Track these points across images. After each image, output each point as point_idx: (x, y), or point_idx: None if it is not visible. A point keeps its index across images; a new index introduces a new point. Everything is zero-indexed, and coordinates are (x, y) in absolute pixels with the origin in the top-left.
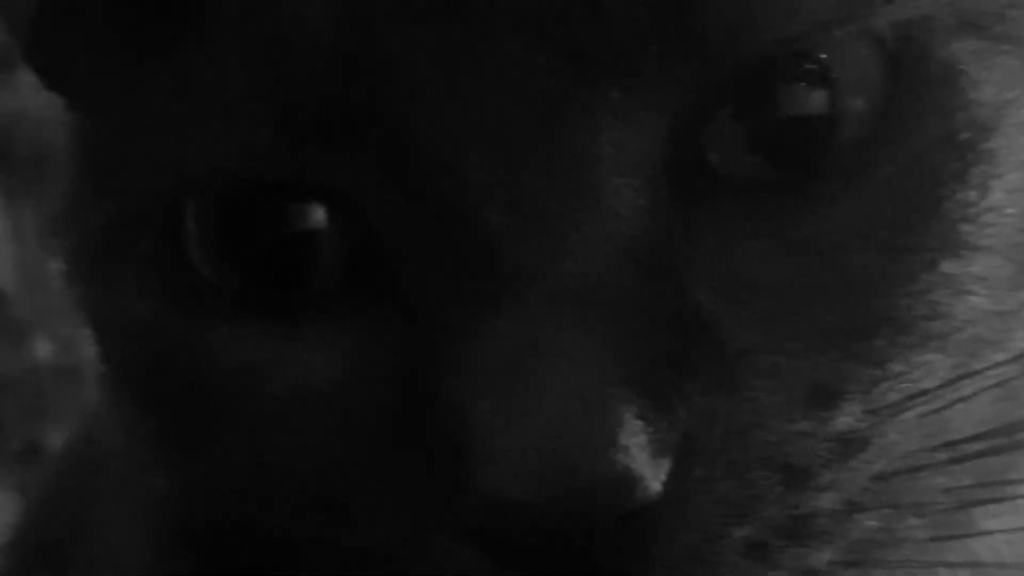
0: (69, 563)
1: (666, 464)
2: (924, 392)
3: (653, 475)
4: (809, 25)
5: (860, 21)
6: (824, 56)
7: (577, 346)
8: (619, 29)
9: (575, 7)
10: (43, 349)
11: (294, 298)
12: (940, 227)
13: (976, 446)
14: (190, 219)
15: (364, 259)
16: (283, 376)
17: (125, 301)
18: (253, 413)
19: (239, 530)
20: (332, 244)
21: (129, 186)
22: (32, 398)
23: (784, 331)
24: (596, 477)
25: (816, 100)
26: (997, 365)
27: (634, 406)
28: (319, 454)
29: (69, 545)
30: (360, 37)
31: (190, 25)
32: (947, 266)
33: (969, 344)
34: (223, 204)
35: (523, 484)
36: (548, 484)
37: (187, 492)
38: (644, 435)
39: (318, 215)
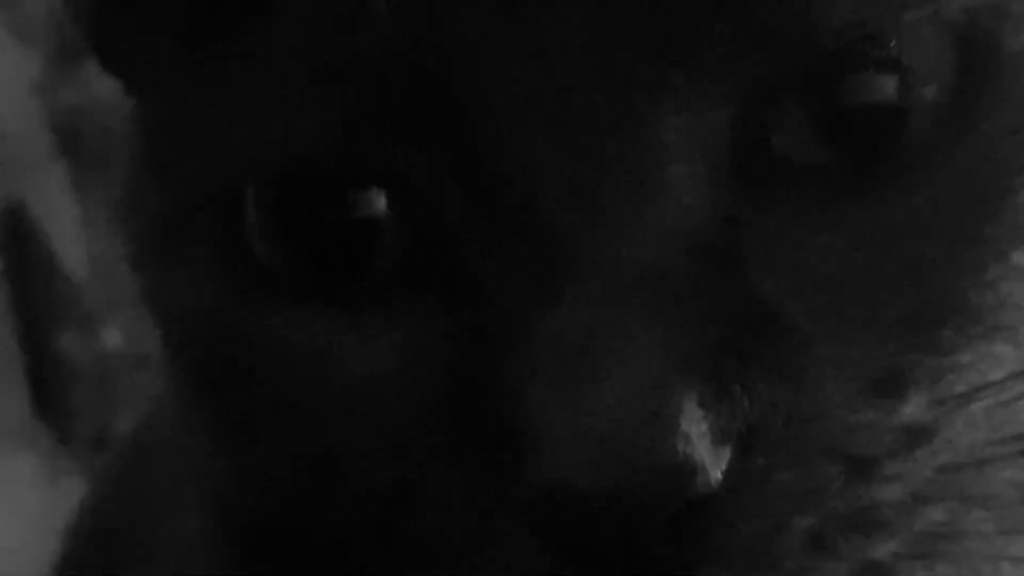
0: (123, 554)
1: (727, 453)
2: (992, 383)
3: (714, 464)
4: (880, 10)
5: (931, 5)
6: (895, 43)
7: (638, 334)
8: (684, 14)
9: None
10: (113, 337)
11: (353, 287)
12: (1011, 218)
13: None
14: (251, 207)
15: (424, 247)
16: (341, 365)
17: (186, 288)
18: (311, 402)
19: (297, 521)
20: (392, 231)
21: (190, 173)
22: (102, 386)
23: (849, 320)
24: (655, 465)
25: (887, 88)
26: None
27: (695, 393)
28: (378, 443)
29: (125, 536)
30: (425, 24)
31: (254, 10)
32: (1018, 257)
33: None
34: (284, 191)
35: (581, 471)
36: (606, 471)
37: (245, 483)
38: (705, 423)
39: (379, 202)
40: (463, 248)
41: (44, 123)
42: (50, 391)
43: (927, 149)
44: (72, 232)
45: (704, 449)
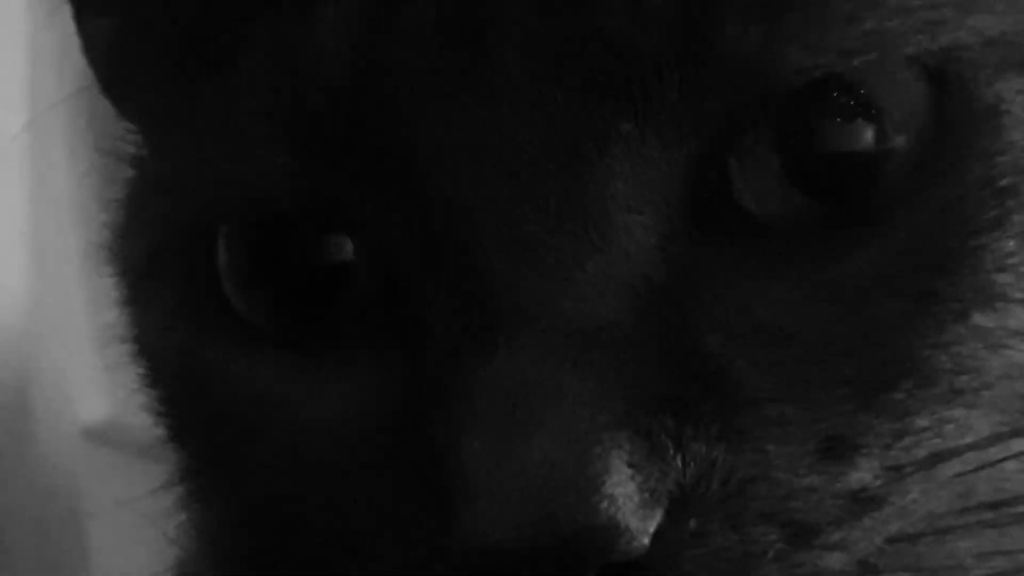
0: None
1: (656, 515)
2: (955, 449)
3: (640, 527)
4: (833, 55)
5: (887, 51)
6: (866, 90)
7: (570, 389)
8: (633, 59)
9: (588, 37)
10: None
11: (316, 332)
12: (974, 277)
13: None
14: (223, 248)
15: (384, 295)
16: (295, 410)
17: (161, 328)
18: (266, 448)
19: (255, 570)
20: (357, 279)
21: (169, 216)
22: None
23: (799, 379)
24: (579, 525)
25: (860, 135)
26: None
27: (624, 452)
28: (328, 489)
29: None
30: (371, 70)
31: (229, 52)
32: (979, 318)
33: (1008, 401)
34: (254, 234)
35: (504, 528)
36: (531, 529)
37: (226, 529)
38: (633, 483)
39: (347, 247)
40: (416, 298)
41: None
42: None
43: (896, 200)
44: None
45: (630, 511)
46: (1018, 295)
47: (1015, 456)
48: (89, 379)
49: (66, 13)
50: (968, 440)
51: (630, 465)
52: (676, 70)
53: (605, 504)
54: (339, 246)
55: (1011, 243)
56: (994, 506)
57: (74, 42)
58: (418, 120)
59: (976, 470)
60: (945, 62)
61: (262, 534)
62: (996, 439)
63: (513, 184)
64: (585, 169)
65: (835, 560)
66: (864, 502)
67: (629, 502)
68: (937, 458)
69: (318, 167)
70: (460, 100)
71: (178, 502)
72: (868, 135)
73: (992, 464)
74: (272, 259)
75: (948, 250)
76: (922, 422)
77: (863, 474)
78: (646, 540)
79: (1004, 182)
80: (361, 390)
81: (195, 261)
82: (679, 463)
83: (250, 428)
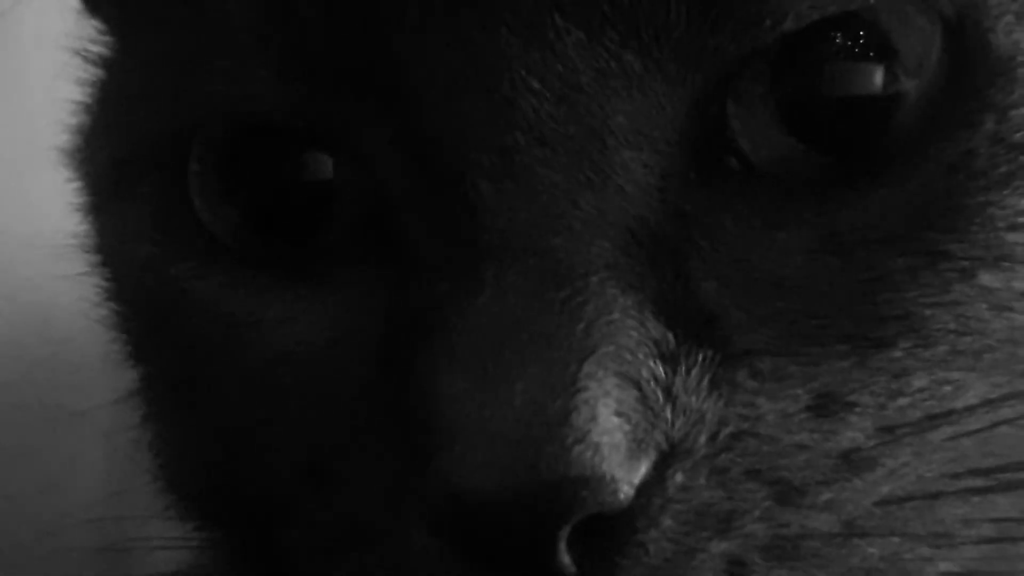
0: None
1: (642, 467)
2: (951, 412)
3: (626, 477)
4: None
5: None
6: (881, 29)
7: (558, 332)
8: None
9: None
10: None
11: (294, 254)
12: (982, 234)
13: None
14: (195, 160)
15: (369, 220)
16: (271, 333)
17: (127, 240)
18: (242, 370)
19: (224, 491)
20: (339, 199)
21: (140, 122)
22: None
23: (795, 332)
24: (561, 474)
25: (870, 77)
26: None
27: (612, 401)
28: (301, 420)
29: None
30: None
31: None
32: (986, 278)
33: (1009, 364)
34: (229, 146)
35: (483, 473)
36: (509, 476)
37: (183, 450)
38: (620, 433)
39: (326, 166)
40: (403, 223)
41: None
42: None
43: (904, 152)
44: None
45: (616, 462)
46: None
47: (1008, 421)
48: None
49: None
50: (963, 403)
51: (618, 414)
52: (685, 3)
53: (590, 453)
54: (318, 164)
55: (1022, 201)
56: (985, 472)
57: None
58: (413, 39)
59: (969, 434)
60: (963, 7)
61: (223, 458)
62: (990, 403)
63: (508, 111)
64: (584, 100)
65: (822, 521)
66: (855, 463)
67: (616, 452)
68: (931, 421)
69: (303, 81)
70: (458, 21)
71: (134, 418)
72: (878, 78)
73: (986, 429)
74: (247, 174)
75: (957, 206)
76: (919, 382)
77: (855, 433)
78: (631, 492)
79: (1017, 137)
80: (339, 316)
81: (166, 172)
82: (668, 414)
83: (216, 349)
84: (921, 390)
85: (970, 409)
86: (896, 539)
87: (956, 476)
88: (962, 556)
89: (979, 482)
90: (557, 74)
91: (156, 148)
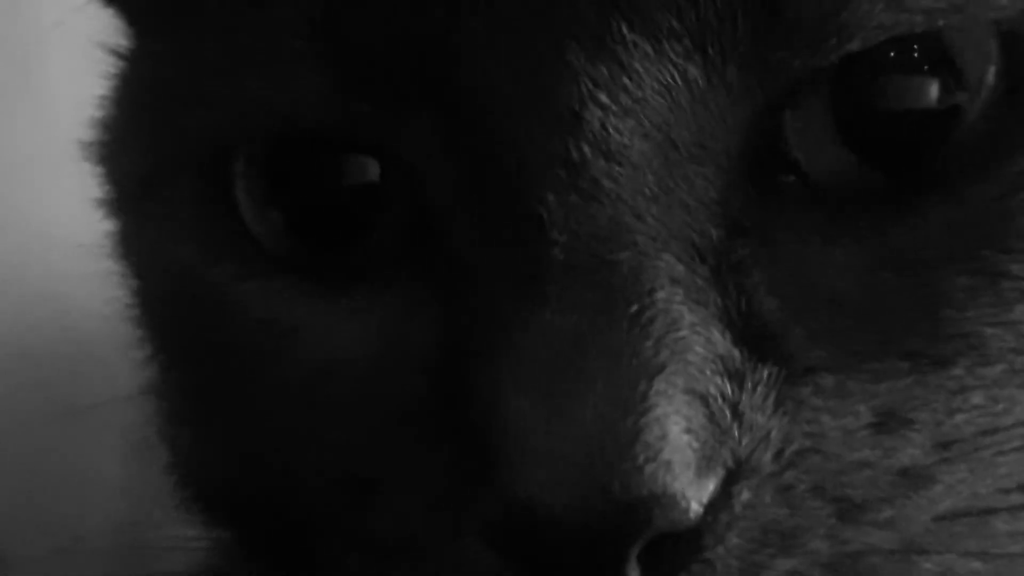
0: None
1: (711, 485)
2: (1001, 428)
3: (695, 495)
4: (919, 15)
5: (972, 13)
6: (945, 48)
7: (626, 349)
8: (705, 5)
9: None
10: None
11: (339, 260)
12: None
13: None
14: (240, 165)
15: (417, 227)
16: (317, 342)
17: (165, 243)
18: (280, 377)
19: (255, 497)
20: (386, 206)
21: (181, 126)
22: None
23: (856, 349)
24: (632, 493)
25: (928, 91)
26: None
27: (682, 419)
28: (345, 430)
29: None
30: None
31: None
32: None
33: None
34: (276, 152)
35: (552, 492)
36: (578, 495)
37: (207, 452)
38: (690, 451)
39: (372, 170)
40: (455, 234)
41: None
42: None
43: (964, 171)
44: None
45: (686, 480)
46: None
47: None
48: None
49: None
50: (1012, 419)
51: (687, 431)
52: (751, 18)
53: (662, 472)
54: (364, 167)
55: None
56: None
57: None
58: (479, 51)
59: (1017, 449)
60: (1019, 24)
61: (255, 463)
62: None
63: (574, 125)
64: (649, 114)
65: (883, 538)
66: (914, 479)
67: (686, 471)
68: (984, 437)
69: (358, 90)
70: (524, 34)
71: (154, 419)
72: (937, 92)
73: None
74: (292, 176)
75: (1018, 227)
76: (976, 400)
77: (915, 450)
78: (700, 510)
79: None
80: (386, 326)
81: (207, 174)
82: (735, 431)
83: (254, 354)
84: (977, 407)
85: (1019, 424)
86: (951, 555)
87: (1007, 491)
88: (1012, 571)
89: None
90: (623, 88)
91: (197, 150)
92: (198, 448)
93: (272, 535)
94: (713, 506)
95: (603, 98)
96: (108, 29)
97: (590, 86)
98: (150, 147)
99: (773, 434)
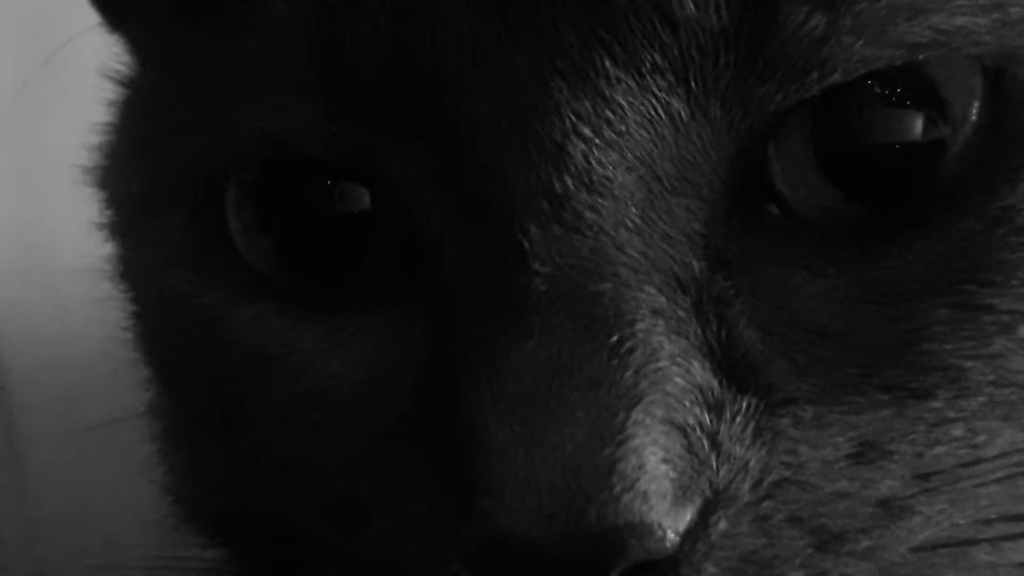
0: None
1: (688, 514)
2: (982, 460)
3: (671, 525)
4: (901, 49)
5: (953, 47)
6: (928, 81)
7: (606, 379)
8: (692, 37)
9: (646, 7)
10: None
11: (329, 285)
12: (1023, 289)
13: None
14: (233, 190)
15: (407, 254)
16: (306, 366)
17: (160, 266)
18: (272, 401)
19: (249, 519)
20: (376, 233)
21: (178, 152)
22: None
23: (837, 381)
24: (608, 522)
25: (912, 125)
26: None
27: (659, 449)
28: (334, 454)
29: None
30: (415, 21)
31: None
32: None
33: None
34: (268, 179)
35: (530, 519)
36: (557, 523)
37: (202, 473)
38: (667, 480)
39: (363, 198)
40: (443, 262)
41: None
42: None
43: (946, 205)
44: None
45: (663, 510)
46: None
47: None
48: None
49: None
50: (992, 451)
51: (664, 461)
52: (734, 53)
53: (638, 502)
54: (354, 195)
55: None
56: (1014, 518)
57: None
58: (465, 83)
59: (999, 481)
60: (1007, 61)
61: (250, 486)
62: (1020, 451)
63: (557, 157)
64: (632, 147)
65: (861, 569)
66: (893, 510)
67: (662, 500)
68: (964, 468)
69: (347, 119)
70: (510, 67)
71: (153, 440)
72: (920, 126)
73: (1017, 476)
74: (283, 204)
75: (997, 261)
76: (956, 432)
77: (893, 481)
78: (677, 539)
79: None
80: (375, 351)
81: (202, 200)
82: (713, 461)
83: (248, 378)
84: (957, 439)
85: (1003, 456)
86: None
87: (988, 522)
88: None
89: (1008, 528)
90: (607, 121)
91: (192, 177)
92: (194, 469)
93: (266, 556)
94: (690, 535)
95: (586, 131)
96: (111, 56)
97: (573, 119)
98: (148, 173)
99: (751, 464)
